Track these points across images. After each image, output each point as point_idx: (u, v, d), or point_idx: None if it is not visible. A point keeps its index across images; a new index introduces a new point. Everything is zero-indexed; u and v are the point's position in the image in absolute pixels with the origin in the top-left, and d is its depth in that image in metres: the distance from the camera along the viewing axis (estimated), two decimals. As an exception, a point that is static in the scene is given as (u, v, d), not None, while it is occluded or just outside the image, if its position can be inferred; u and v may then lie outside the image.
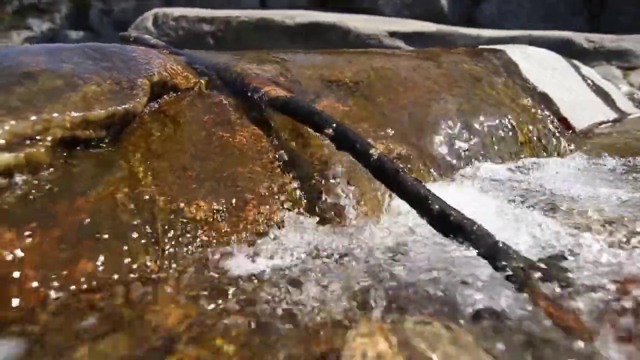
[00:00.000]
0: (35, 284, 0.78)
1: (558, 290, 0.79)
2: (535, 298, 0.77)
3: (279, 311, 0.77)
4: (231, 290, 0.83)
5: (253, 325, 0.73)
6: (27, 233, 0.82)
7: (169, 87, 1.26)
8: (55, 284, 0.79)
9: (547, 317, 0.73)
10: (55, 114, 0.94)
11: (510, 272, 0.82)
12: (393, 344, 0.67)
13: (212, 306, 0.79)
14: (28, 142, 0.90)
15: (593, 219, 1.14)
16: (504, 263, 0.84)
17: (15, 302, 0.76)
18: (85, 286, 0.80)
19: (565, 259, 0.92)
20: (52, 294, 0.78)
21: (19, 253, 0.79)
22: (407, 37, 5.33)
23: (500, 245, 0.88)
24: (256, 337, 0.71)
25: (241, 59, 1.55)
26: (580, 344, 0.68)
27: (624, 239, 1.02)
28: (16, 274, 0.77)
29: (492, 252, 0.86)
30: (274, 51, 1.81)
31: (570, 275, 0.85)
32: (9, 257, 0.78)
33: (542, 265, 0.85)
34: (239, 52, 1.69)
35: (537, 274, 0.81)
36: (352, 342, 0.69)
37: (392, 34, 5.37)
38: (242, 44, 5.77)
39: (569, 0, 6.03)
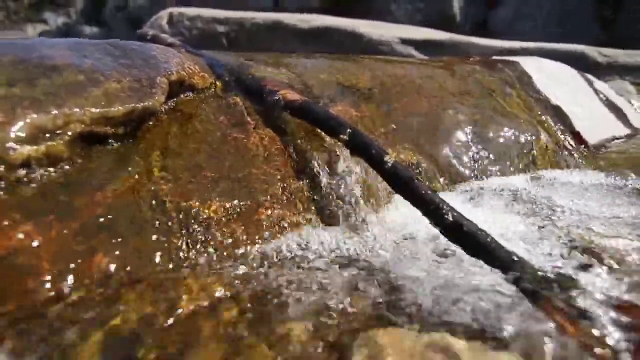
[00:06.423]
0: (51, 275, 0.78)
1: (572, 303, 0.79)
2: (548, 310, 0.77)
3: (286, 310, 0.77)
4: (243, 289, 0.84)
5: (262, 321, 0.74)
6: (45, 225, 0.83)
7: (186, 86, 1.27)
8: (71, 276, 0.80)
9: (561, 330, 0.73)
10: (76, 109, 0.95)
11: (524, 284, 0.82)
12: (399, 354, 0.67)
13: (223, 303, 0.79)
14: (48, 135, 0.92)
15: (606, 235, 1.14)
16: (518, 275, 0.84)
17: (31, 292, 0.76)
18: (100, 280, 0.81)
19: (579, 273, 0.91)
20: (68, 286, 0.79)
21: (36, 245, 0.80)
22: (419, 45, 5.34)
23: (515, 257, 0.88)
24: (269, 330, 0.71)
25: (257, 62, 1.56)
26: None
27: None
28: (33, 266, 0.78)
29: (507, 264, 0.87)
30: (290, 54, 1.82)
31: (583, 289, 0.84)
32: (27, 249, 0.79)
33: (556, 278, 0.85)
34: (254, 54, 1.70)
35: (551, 287, 0.81)
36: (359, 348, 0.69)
37: (405, 41, 5.39)
38: (254, 45, 5.81)
39: (584, 6, 6.00)
